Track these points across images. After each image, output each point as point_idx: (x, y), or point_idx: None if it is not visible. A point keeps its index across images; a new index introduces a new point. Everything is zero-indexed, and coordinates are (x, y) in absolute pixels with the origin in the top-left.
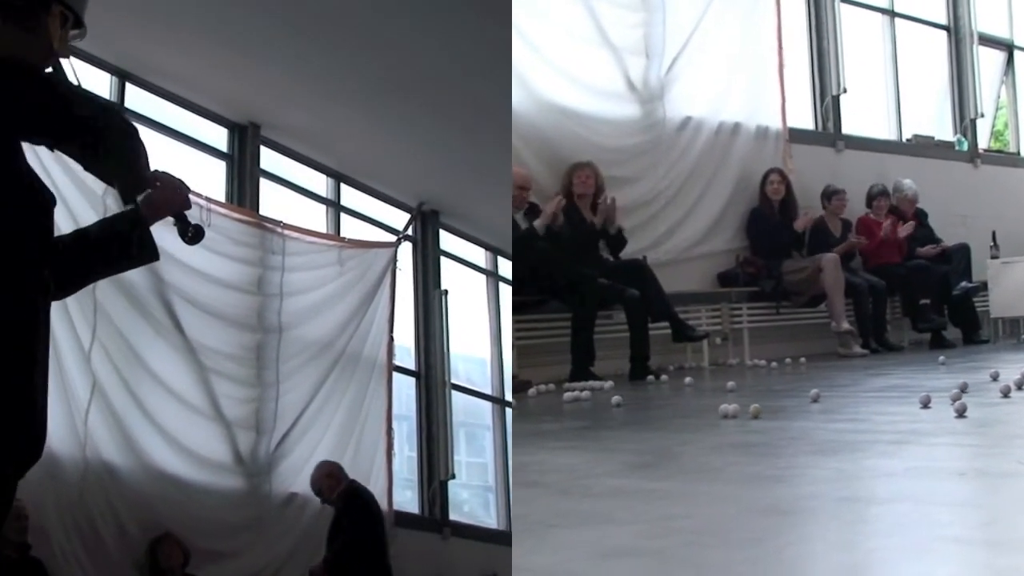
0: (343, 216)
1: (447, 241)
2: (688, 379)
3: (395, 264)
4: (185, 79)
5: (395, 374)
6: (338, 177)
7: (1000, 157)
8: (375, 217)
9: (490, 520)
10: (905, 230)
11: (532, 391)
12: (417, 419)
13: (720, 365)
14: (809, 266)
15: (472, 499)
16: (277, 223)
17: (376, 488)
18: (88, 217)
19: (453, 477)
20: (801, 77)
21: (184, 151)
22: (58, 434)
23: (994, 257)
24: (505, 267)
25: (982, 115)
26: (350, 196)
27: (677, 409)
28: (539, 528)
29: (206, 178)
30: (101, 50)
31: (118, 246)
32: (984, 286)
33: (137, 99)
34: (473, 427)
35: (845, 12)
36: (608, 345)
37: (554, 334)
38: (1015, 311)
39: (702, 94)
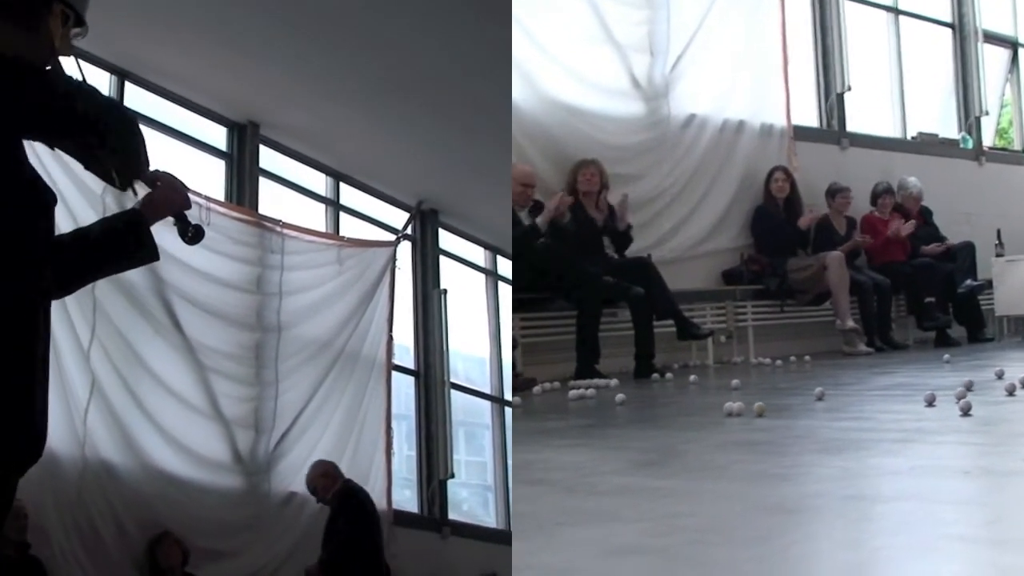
0: (342, 215)
1: (446, 240)
2: (693, 377)
3: (394, 263)
4: (184, 78)
5: (394, 373)
6: (337, 176)
7: (1005, 155)
8: (374, 216)
9: (489, 519)
10: (906, 229)
11: (537, 389)
12: (416, 418)
13: (725, 363)
14: (814, 264)
15: (471, 498)
16: (276, 222)
17: (375, 487)
18: (87, 216)
19: (452, 476)
20: (805, 75)
21: (183, 150)
22: (57, 433)
23: (999, 255)
24: (505, 266)
25: (987, 113)
26: (349, 195)
27: (682, 407)
28: (545, 526)
29: (205, 177)
30: (101, 49)
31: (119, 245)
32: (989, 284)
33: (136, 98)
34: (472, 426)
35: (849, 9)
36: (613, 343)
37: (559, 332)
38: (1020, 309)
39: (706, 91)
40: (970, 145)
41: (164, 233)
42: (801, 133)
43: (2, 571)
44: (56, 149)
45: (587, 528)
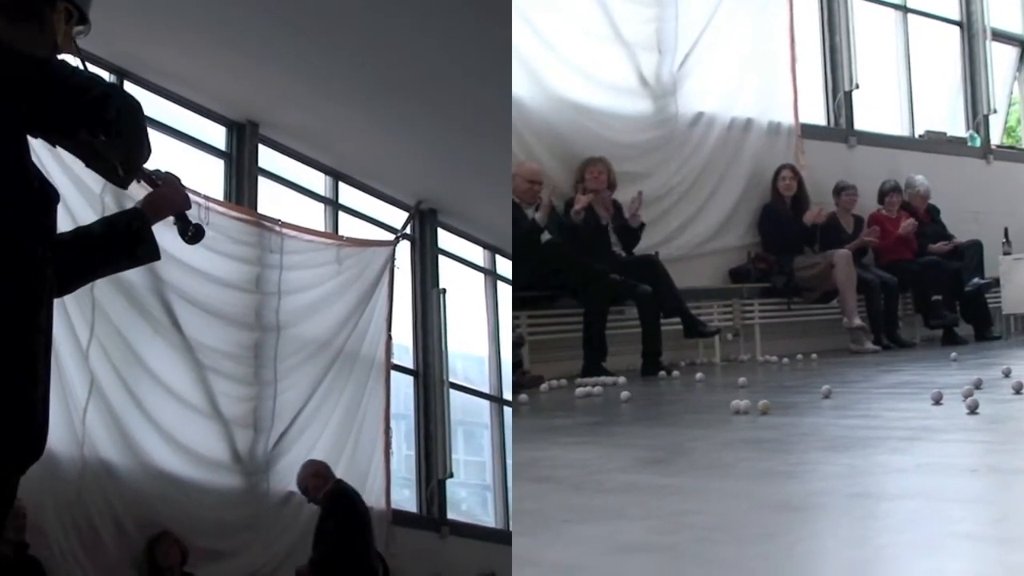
0: (341, 215)
1: (445, 240)
2: (699, 375)
3: (393, 262)
4: (184, 78)
5: (393, 372)
6: (336, 176)
7: (1012, 153)
8: (373, 216)
9: (488, 519)
10: (906, 227)
11: (544, 386)
12: (415, 417)
13: (732, 361)
14: (821, 262)
15: (470, 498)
16: (275, 221)
17: (374, 486)
18: (86, 216)
19: (451, 476)
20: (813, 73)
21: (183, 149)
22: (56, 433)
23: (1006, 253)
24: (504, 266)
25: (995, 111)
26: (348, 195)
27: (689, 405)
28: (552, 523)
29: (204, 176)
30: (101, 49)
31: (120, 244)
32: (996, 282)
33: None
34: (471, 425)
35: (857, 8)
36: (620, 341)
37: (566, 329)
38: None
39: (714, 90)
40: (978, 143)
41: (163, 232)
42: (809, 131)
43: (1, 571)
44: (57, 147)
45: (594, 525)
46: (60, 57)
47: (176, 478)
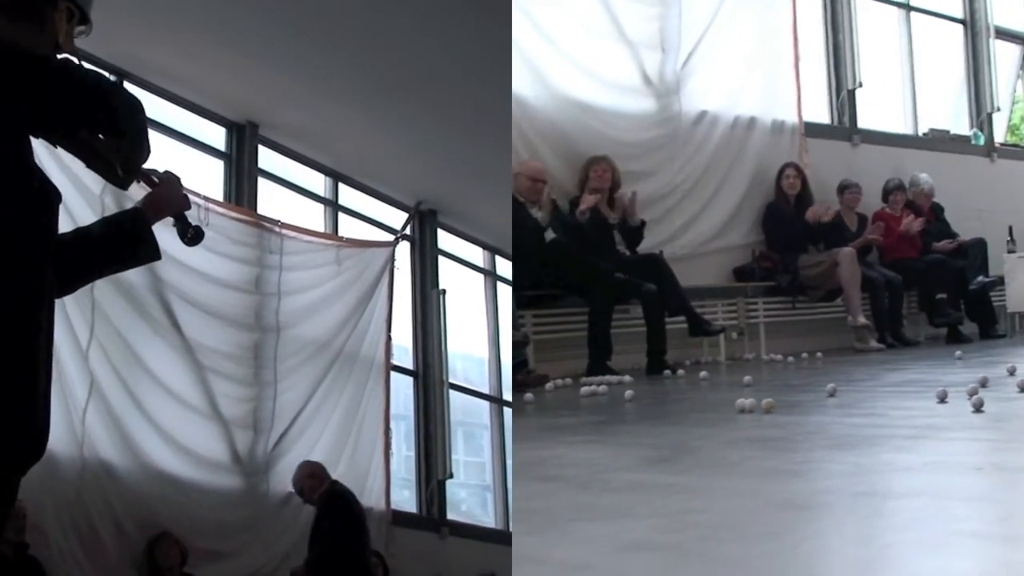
0: (341, 215)
1: (445, 240)
2: (704, 374)
3: (393, 263)
4: (184, 78)
5: (393, 373)
6: (336, 176)
7: (1016, 151)
8: (373, 216)
9: (488, 519)
10: (914, 225)
11: (549, 385)
12: (415, 418)
13: (736, 360)
14: (825, 260)
15: (470, 498)
16: (275, 222)
17: (374, 487)
18: (86, 216)
19: (451, 476)
20: (817, 71)
21: (182, 150)
22: (56, 433)
23: (1011, 251)
24: (504, 266)
25: (998, 109)
26: (348, 195)
27: (694, 403)
28: (558, 522)
29: (204, 177)
30: (101, 49)
31: (121, 244)
32: (1001, 281)
33: None
34: (471, 426)
35: (861, 6)
36: (625, 339)
37: (571, 329)
38: None
39: (718, 88)
40: (981, 141)
41: (163, 233)
42: (812, 130)
43: (1, 571)
44: (57, 147)
45: (600, 524)
46: (61, 56)
47: (176, 479)
